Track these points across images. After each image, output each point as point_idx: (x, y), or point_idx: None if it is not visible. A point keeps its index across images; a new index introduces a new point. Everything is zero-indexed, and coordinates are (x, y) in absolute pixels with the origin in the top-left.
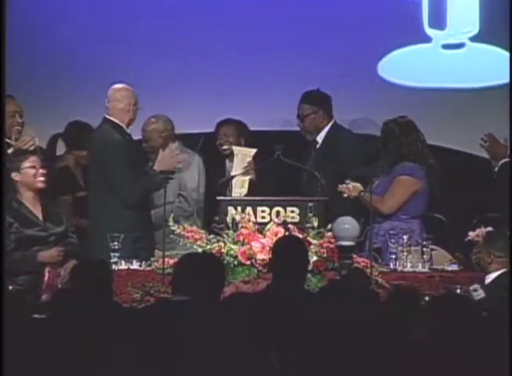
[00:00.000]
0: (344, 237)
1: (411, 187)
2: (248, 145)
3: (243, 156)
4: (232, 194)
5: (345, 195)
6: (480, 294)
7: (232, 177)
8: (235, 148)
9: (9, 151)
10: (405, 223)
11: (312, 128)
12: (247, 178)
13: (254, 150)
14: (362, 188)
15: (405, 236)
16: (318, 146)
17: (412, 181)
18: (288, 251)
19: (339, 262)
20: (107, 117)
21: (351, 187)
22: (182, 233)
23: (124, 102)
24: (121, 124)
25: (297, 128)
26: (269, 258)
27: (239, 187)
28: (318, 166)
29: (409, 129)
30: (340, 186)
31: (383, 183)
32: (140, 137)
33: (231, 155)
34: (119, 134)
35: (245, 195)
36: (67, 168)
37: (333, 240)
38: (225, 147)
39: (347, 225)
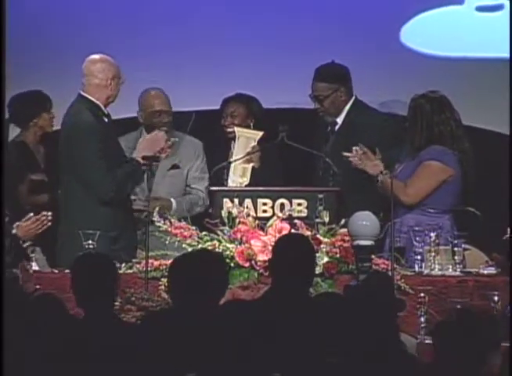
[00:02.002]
0: (362, 236)
1: (439, 175)
2: (258, 127)
3: (246, 139)
4: (232, 184)
5: (351, 160)
6: None
7: (229, 163)
8: (237, 129)
9: None
10: (432, 218)
11: (334, 109)
12: (250, 165)
13: (260, 133)
14: (378, 163)
15: (432, 234)
16: (337, 127)
17: (441, 167)
18: (290, 250)
19: (356, 264)
20: (82, 93)
21: (360, 154)
22: (169, 229)
23: (99, 76)
24: (97, 102)
25: (311, 107)
26: (269, 260)
27: (240, 176)
28: (336, 151)
29: (441, 106)
30: (345, 153)
31: (406, 169)
32: (122, 116)
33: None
34: (93, 115)
35: (246, 185)
36: (24, 143)
37: (347, 238)
38: (229, 130)
39: (366, 221)
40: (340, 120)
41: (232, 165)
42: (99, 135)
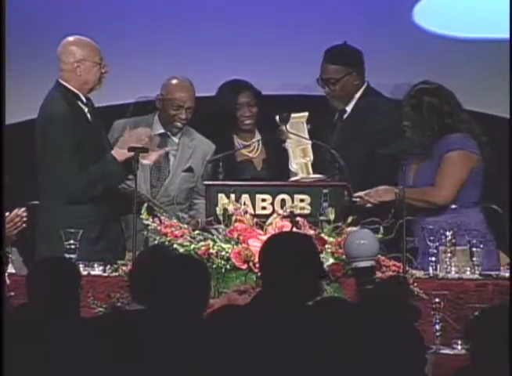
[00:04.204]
0: (361, 256)
1: (467, 164)
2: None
3: (296, 124)
4: (295, 167)
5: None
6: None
7: (226, 155)
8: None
9: None
10: (450, 215)
11: (344, 94)
12: (309, 144)
13: (305, 114)
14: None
15: (448, 233)
16: (345, 115)
17: (467, 155)
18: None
19: (357, 288)
20: (59, 80)
21: (368, 195)
22: (159, 228)
23: (66, 60)
24: (74, 89)
25: (319, 93)
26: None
27: (301, 156)
28: (342, 141)
29: (442, 99)
30: (356, 195)
31: (426, 170)
32: (105, 104)
33: (248, 132)
34: (69, 104)
35: (312, 164)
36: None
37: None
38: (248, 121)
39: (363, 240)
40: (349, 108)
41: (290, 150)
42: (73, 127)
